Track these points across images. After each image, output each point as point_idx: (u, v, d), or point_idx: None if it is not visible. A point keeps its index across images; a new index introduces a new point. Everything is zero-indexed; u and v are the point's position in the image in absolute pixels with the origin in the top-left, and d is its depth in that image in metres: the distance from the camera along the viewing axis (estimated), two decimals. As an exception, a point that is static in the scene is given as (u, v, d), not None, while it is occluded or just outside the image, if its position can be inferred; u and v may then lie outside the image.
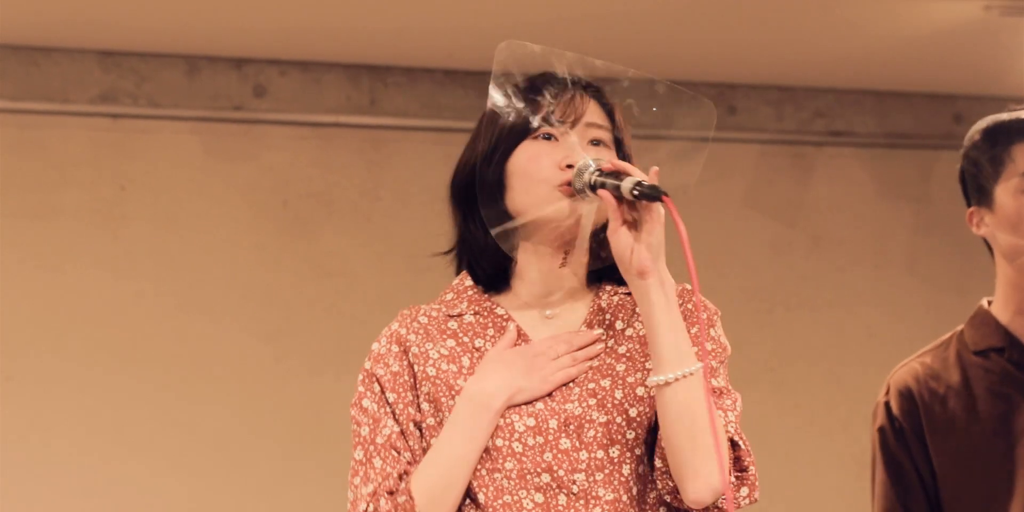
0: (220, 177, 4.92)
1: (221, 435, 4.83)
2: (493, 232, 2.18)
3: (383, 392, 2.16)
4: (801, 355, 5.36)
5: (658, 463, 2.11)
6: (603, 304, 2.22)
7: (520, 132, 2.19)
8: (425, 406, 2.15)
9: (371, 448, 2.13)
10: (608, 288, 2.24)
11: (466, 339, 2.19)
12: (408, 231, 4.95)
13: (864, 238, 5.52)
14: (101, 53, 4.80)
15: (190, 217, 4.89)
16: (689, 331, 2.12)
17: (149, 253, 4.85)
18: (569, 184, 2.14)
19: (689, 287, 2.18)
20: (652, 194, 2.04)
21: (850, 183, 5.48)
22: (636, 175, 2.07)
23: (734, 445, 2.12)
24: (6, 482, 4.67)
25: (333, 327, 4.94)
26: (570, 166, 2.15)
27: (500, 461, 2.11)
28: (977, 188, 2.97)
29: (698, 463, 2.06)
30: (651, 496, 2.14)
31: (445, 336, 2.19)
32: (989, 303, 2.99)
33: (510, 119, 2.19)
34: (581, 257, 2.20)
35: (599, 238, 2.19)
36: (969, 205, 2.98)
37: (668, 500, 2.13)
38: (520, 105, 2.20)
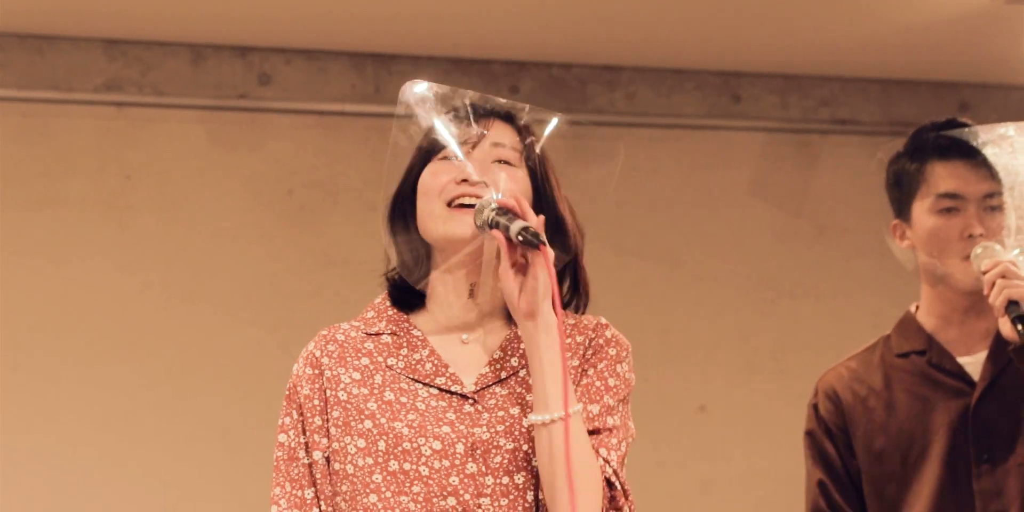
0: (225, 166, 4.92)
1: (226, 425, 4.83)
2: (402, 259, 2.25)
3: (302, 421, 2.26)
4: (805, 344, 5.35)
5: (541, 494, 2.15)
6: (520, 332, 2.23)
7: (426, 154, 2.26)
8: (333, 431, 2.21)
9: (283, 479, 2.24)
10: None
11: (380, 359, 2.24)
12: (413, 220, 4.95)
13: (869, 227, 5.48)
14: (106, 41, 4.80)
15: (195, 206, 4.89)
16: (596, 367, 2.19)
17: (153, 242, 4.84)
18: (463, 206, 2.19)
19: (604, 320, 2.25)
20: (532, 241, 2.08)
21: (855, 172, 5.47)
22: (528, 218, 2.11)
23: (610, 485, 2.15)
24: (10, 472, 4.67)
25: (338, 316, 4.86)
26: (465, 180, 2.19)
27: (407, 485, 2.14)
28: (898, 201, 2.99)
29: (562, 504, 2.09)
30: None
31: (360, 354, 2.25)
32: (917, 308, 3.03)
33: (422, 144, 2.27)
34: (495, 289, 2.22)
35: None
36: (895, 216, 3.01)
37: None
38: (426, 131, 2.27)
